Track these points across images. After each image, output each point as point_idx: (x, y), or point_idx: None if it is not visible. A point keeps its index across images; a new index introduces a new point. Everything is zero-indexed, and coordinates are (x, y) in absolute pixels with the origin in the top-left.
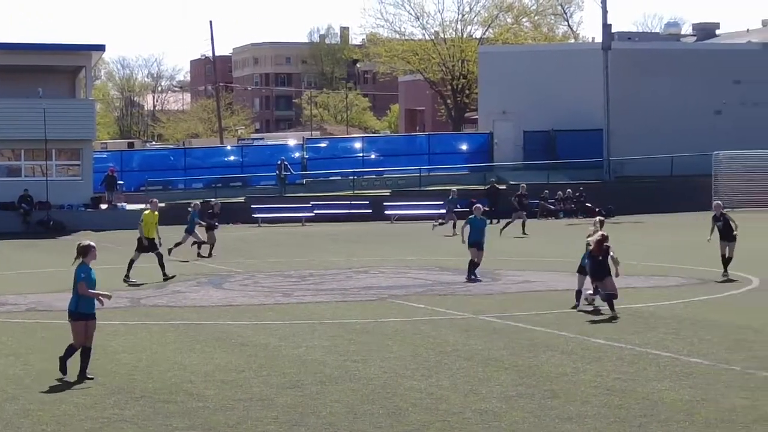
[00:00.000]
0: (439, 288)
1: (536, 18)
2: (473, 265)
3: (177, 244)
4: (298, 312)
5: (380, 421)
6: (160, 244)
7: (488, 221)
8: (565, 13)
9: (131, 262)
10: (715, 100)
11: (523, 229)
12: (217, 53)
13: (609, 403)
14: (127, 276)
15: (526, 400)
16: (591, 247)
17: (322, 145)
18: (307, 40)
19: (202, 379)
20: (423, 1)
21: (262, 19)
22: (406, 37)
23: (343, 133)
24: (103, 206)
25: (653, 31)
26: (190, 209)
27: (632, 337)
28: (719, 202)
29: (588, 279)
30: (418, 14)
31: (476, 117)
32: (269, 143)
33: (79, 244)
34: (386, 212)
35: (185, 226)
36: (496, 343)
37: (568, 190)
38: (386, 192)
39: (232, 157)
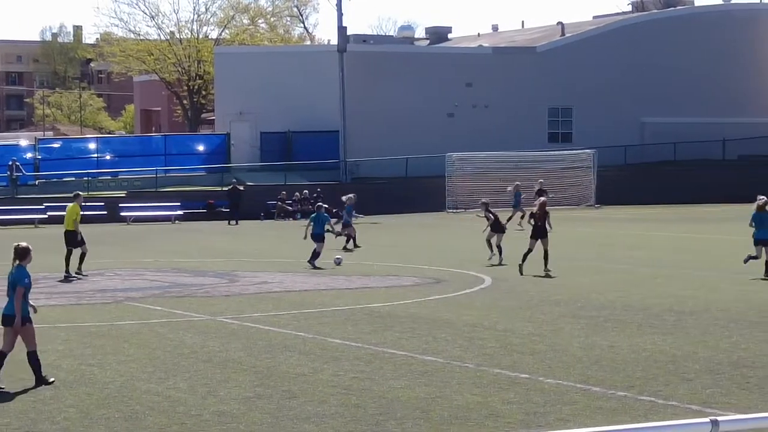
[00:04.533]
0: (177, 290)
1: (272, 20)
2: (316, 255)
3: (346, 235)
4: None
5: (116, 426)
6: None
7: (230, 221)
8: (301, 15)
9: (69, 254)
10: (448, 103)
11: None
12: None
13: (346, 402)
14: (79, 269)
15: (265, 401)
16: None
17: (56, 145)
18: (39, 39)
19: None
20: (158, 1)
21: None
22: (142, 37)
23: (77, 134)
24: None
25: (388, 34)
26: (344, 202)
27: (369, 337)
28: (544, 198)
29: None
30: (153, 14)
31: (213, 118)
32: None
33: (18, 245)
34: (122, 214)
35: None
36: (234, 344)
37: (305, 191)
38: (122, 193)
39: None
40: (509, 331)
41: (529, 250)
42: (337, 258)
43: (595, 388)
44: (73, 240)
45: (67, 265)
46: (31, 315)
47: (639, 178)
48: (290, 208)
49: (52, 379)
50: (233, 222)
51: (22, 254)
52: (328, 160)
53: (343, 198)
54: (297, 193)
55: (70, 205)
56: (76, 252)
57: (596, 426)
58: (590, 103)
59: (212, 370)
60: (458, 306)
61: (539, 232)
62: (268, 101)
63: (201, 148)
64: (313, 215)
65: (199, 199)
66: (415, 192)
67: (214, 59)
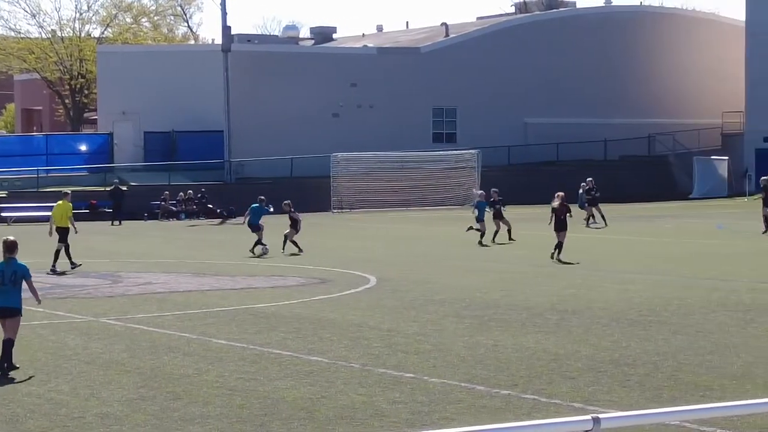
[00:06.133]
0: (59, 291)
1: (156, 18)
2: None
3: (478, 230)
4: None
5: None
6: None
7: (113, 222)
8: (185, 14)
9: (67, 248)
10: (333, 103)
11: (604, 220)
12: None
13: (231, 403)
14: (72, 263)
15: (149, 403)
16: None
17: None
18: None
19: None
20: None
21: None
22: (22, 35)
23: None
24: None
25: (272, 33)
26: (478, 198)
27: (254, 337)
28: (561, 193)
29: None
30: (34, 12)
31: (96, 117)
32: None
33: (6, 239)
34: (2, 214)
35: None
36: (117, 345)
37: (189, 191)
38: (2, 194)
39: None
40: (394, 330)
41: (559, 242)
42: (265, 247)
43: (480, 387)
44: (65, 235)
45: (64, 258)
46: None
47: (522, 179)
48: (174, 208)
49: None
50: (116, 222)
51: (12, 247)
52: (213, 160)
53: (476, 193)
54: (181, 194)
55: (59, 202)
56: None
57: (480, 424)
58: (474, 103)
59: (95, 372)
60: (343, 306)
61: (561, 225)
62: (151, 101)
63: (83, 147)
64: (254, 206)
65: (82, 200)
66: (301, 192)
67: (97, 58)
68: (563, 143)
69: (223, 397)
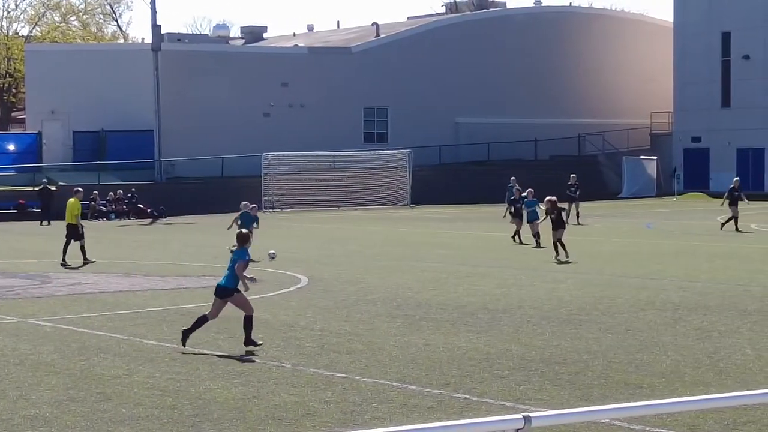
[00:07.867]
0: None
1: (85, 17)
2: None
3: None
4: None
5: None
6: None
7: (42, 222)
8: (114, 13)
9: (82, 246)
10: (264, 102)
11: (578, 218)
12: None
13: (162, 404)
14: (86, 258)
15: (78, 404)
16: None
17: None
18: None
19: None
20: None
21: None
22: None
23: None
24: None
25: (203, 33)
26: (525, 197)
27: None
28: (552, 197)
29: None
30: None
31: (24, 116)
32: None
33: (240, 232)
34: None
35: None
36: (46, 346)
37: (119, 191)
38: None
39: None
40: (326, 330)
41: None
42: (271, 252)
43: (411, 387)
44: (74, 232)
45: (64, 254)
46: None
47: (453, 178)
48: (104, 208)
49: (260, 342)
50: (45, 222)
51: (244, 239)
52: (143, 159)
53: (524, 193)
54: (111, 193)
55: (71, 200)
56: (76, 244)
57: (412, 424)
58: (405, 103)
59: (24, 374)
60: (275, 306)
61: (556, 224)
62: (81, 100)
63: (11, 147)
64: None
65: (10, 200)
66: (231, 192)
67: (25, 57)
68: (494, 143)
69: (153, 398)
